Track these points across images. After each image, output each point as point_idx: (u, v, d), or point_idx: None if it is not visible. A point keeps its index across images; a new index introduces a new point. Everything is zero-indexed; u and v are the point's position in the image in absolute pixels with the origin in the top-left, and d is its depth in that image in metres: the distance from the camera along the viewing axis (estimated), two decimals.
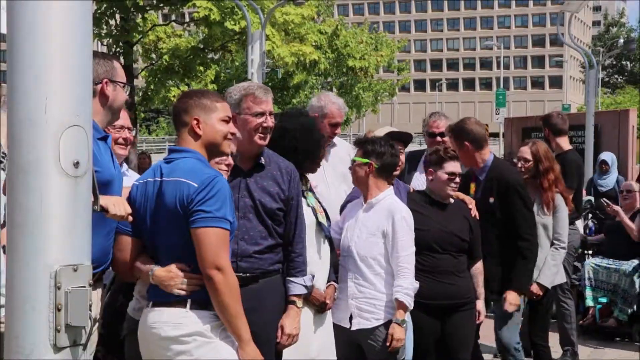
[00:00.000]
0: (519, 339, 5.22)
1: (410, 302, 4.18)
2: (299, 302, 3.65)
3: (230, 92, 3.69)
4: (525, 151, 5.67)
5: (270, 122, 3.62)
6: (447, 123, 5.53)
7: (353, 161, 4.37)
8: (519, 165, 5.71)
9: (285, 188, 3.62)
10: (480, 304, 4.77)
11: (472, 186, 5.13)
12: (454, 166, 4.68)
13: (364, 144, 4.36)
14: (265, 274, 3.55)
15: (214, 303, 2.96)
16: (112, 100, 3.08)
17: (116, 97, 3.11)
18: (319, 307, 3.91)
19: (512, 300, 5.03)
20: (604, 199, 8.11)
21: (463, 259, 4.69)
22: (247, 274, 3.50)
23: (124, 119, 4.00)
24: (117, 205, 2.85)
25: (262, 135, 3.60)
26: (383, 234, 4.21)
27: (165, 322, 2.99)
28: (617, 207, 7.44)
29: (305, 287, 3.67)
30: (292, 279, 3.63)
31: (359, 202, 4.38)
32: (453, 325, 4.60)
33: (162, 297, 3.02)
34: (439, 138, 5.49)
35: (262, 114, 3.60)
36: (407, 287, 4.16)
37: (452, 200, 4.76)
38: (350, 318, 4.22)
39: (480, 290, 4.78)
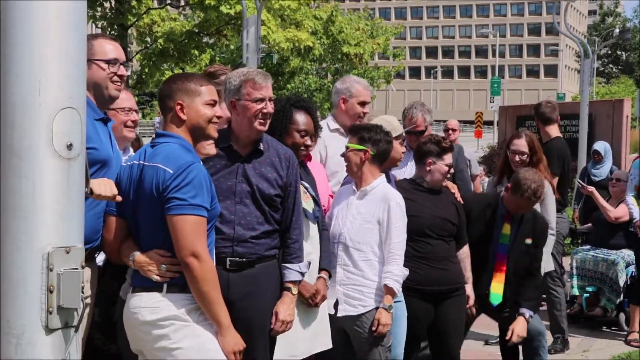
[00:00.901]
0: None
1: (398, 289, 4.21)
2: (294, 289, 3.65)
3: (229, 78, 3.68)
4: (522, 144, 5.65)
5: (270, 108, 3.62)
6: (424, 118, 5.46)
7: (347, 147, 4.38)
8: (517, 159, 5.67)
9: (284, 174, 3.62)
10: (469, 288, 4.82)
11: (507, 227, 5.05)
12: (450, 158, 4.76)
13: (359, 131, 4.37)
14: (261, 259, 3.56)
15: (192, 290, 2.96)
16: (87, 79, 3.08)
17: (91, 76, 3.10)
18: (309, 300, 3.88)
19: (521, 332, 5.00)
20: (578, 179, 8.13)
21: (453, 244, 4.76)
22: (243, 259, 3.52)
23: (130, 100, 4.00)
24: (102, 185, 2.85)
25: (262, 121, 3.60)
26: (378, 221, 4.23)
27: (144, 306, 3.00)
28: (591, 188, 7.40)
29: (301, 273, 3.68)
30: (287, 265, 3.64)
31: (348, 189, 4.38)
32: (445, 310, 4.65)
33: (141, 282, 3.04)
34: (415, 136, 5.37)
35: (262, 99, 3.60)
36: (397, 273, 4.19)
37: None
38: (336, 304, 4.23)
39: (468, 275, 4.83)
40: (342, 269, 4.24)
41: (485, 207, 5.12)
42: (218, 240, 3.41)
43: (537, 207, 5.48)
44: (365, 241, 4.23)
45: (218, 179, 3.51)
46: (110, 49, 3.26)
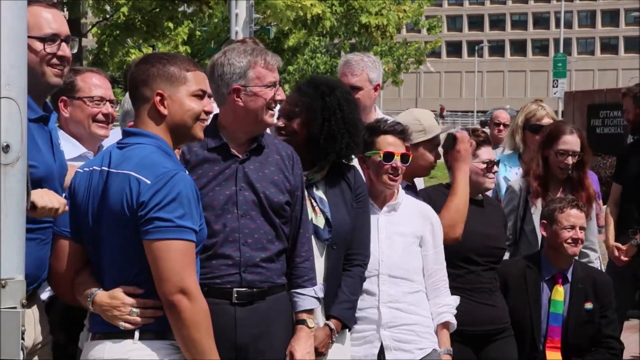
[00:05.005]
0: None
1: (455, 324, 4.35)
2: (310, 321, 3.71)
3: (229, 59, 3.66)
4: (574, 142, 5.40)
5: (282, 94, 3.69)
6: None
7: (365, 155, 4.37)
8: (569, 161, 5.48)
9: (290, 176, 3.69)
10: None
11: (559, 290, 5.01)
12: (488, 152, 4.80)
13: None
14: (273, 289, 3.63)
15: (177, 338, 2.95)
16: None
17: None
18: None
19: None
20: None
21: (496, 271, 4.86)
22: (254, 289, 3.57)
23: (103, 88, 3.98)
24: (46, 196, 2.83)
25: (272, 112, 3.67)
26: (420, 243, 4.34)
27: (109, 359, 2.96)
28: None
29: (317, 299, 3.75)
30: (299, 290, 3.71)
31: None
32: (492, 356, 4.73)
33: (105, 327, 3.02)
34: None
35: (275, 83, 3.66)
36: (453, 305, 4.35)
37: (480, 196, 4.88)
38: (381, 353, 4.24)
39: None
40: (387, 308, 4.25)
41: (524, 269, 5.05)
42: (220, 268, 3.46)
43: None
44: (414, 269, 4.30)
45: (213, 189, 3.56)
46: (47, 20, 3.19)
